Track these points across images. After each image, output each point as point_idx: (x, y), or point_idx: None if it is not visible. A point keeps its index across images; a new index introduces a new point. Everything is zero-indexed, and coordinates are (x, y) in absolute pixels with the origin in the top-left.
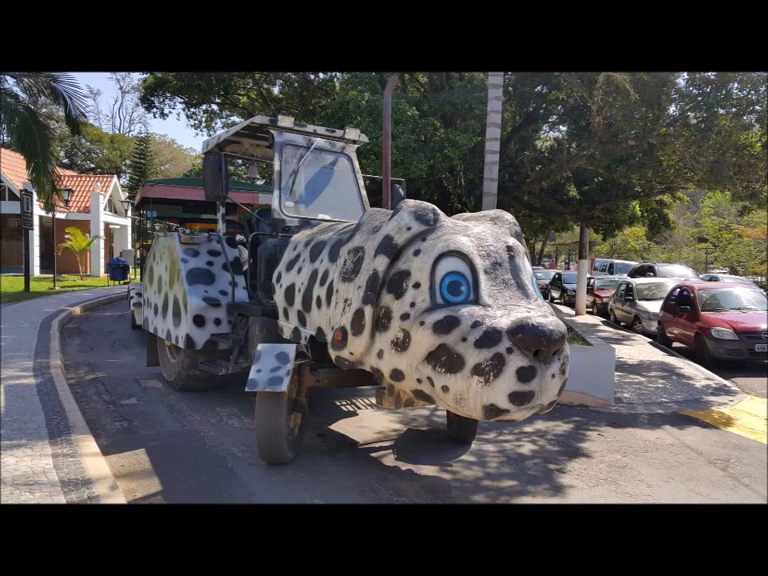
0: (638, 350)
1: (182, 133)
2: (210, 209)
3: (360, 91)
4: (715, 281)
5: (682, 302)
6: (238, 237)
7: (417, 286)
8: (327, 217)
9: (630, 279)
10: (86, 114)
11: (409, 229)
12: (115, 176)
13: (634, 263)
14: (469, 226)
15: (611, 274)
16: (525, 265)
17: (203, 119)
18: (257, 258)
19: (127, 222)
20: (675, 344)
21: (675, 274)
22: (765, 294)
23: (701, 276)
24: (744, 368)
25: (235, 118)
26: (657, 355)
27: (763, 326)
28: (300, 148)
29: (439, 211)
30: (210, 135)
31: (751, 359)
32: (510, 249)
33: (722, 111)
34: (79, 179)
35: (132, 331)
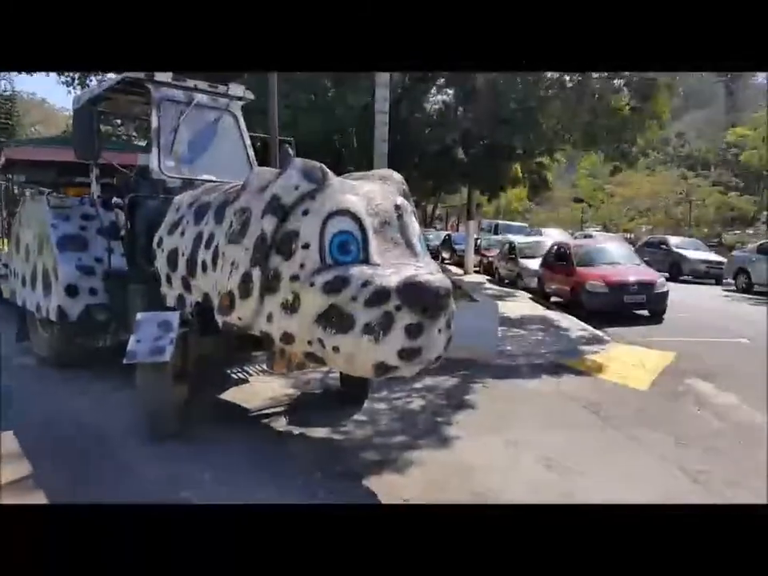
0: (519, 305)
1: (53, 91)
2: (86, 171)
3: None
4: (590, 238)
5: (558, 259)
6: (115, 199)
7: (306, 246)
8: (212, 177)
9: (512, 238)
10: None
11: (297, 188)
12: None
13: (518, 224)
14: (357, 185)
15: (496, 234)
16: (413, 223)
17: (76, 75)
18: (135, 221)
19: None
20: (554, 298)
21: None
22: (633, 249)
23: (576, 234)
24: (616, 318)
25: (112, 75)
26: (537, 310)
27: (631, 279)
28: (180, 104)
29: (327, 170)
30: None
31: (622, 310)
32: (398, 207)
33: (594, 75)
34: None
35: None
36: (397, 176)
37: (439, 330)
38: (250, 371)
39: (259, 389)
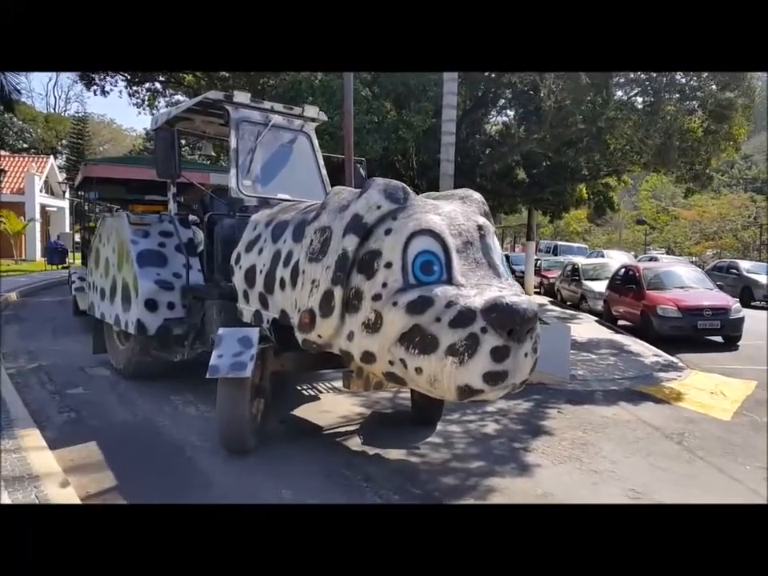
0: (586, 328)
1: (121, 112)
2: (154, 189)
3: None
4: (655, 261)
5: (627, 282)
6: (191, 217)
7: (389, 265)
8: (287, 196)
9: (575, 260)
10: (20, 91)
11: (379, 207)
12: (51, 156)
13: (578, 245)
14: (439, 205)
15: (555, 255)
16: (495, 244)
17: (146, 97)
18: (213, 238)
19: (65, 204)
20: (621, 322)
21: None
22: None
23: (640, 256)
24: (688, 344)
25: (179, 97)
26: (604, 333)
27: (705, 303)
28: (257, 125)
29: (409, 189)
30: (152, 114)
31: (695, 335)
32: (480, 228)
33: (667, 96)
34: (12, 159)
35: (74, 317)
36: (477, 196)
37: (526, 354)
38: (320, 388)
39: (330, 406)
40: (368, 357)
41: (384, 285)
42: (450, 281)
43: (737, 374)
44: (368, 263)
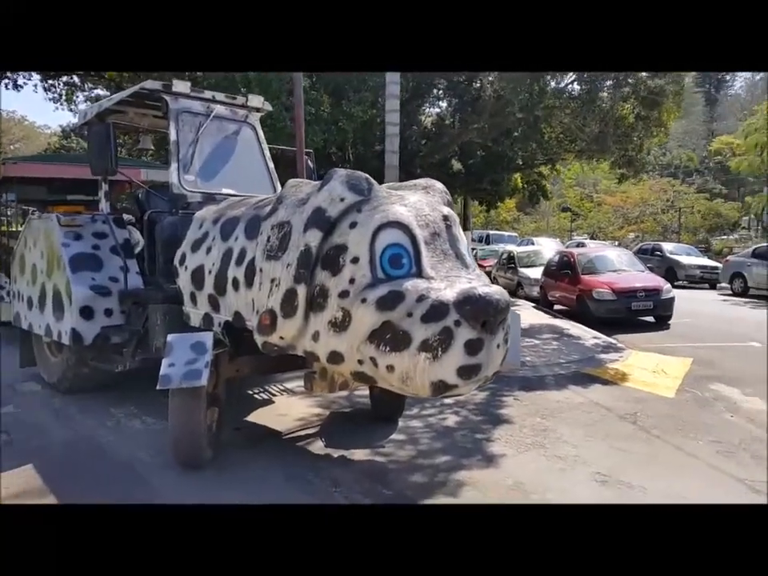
0: (526, 314)
1: (33, 108)
2: (77, 188)
3: None
4: (582, 246)
5: (562, 267)
6: (126, 216)
7: (355, 260)
8: (233, 191)
9: (511, 248)
10: None
11: (342, 200)
12: None
13: (508, 233)
14: (404, 196)
15: (488, 244)
16: (460, 234)
17: (63, 92)
18: (154, 238)
19: None
20: (557, 307)
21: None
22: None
23: (567, 242)
24: (622, 325)
25: (100, 92)
26: (543, 318)
27: (638, 285)
28: (198, 116)
29: (373, 181)
30: (71, 110)
31: (629, 317)
32: (446, 218)
33: (601, 84)
34: None
35: None
36: (439, 185)
37: (498, 345)
38: (273, 391)
39: (285, 409)
40: (335, 357)
41: (351, 281)
42: (419, 274)
43: (672, 351)
44: (333, 259)
